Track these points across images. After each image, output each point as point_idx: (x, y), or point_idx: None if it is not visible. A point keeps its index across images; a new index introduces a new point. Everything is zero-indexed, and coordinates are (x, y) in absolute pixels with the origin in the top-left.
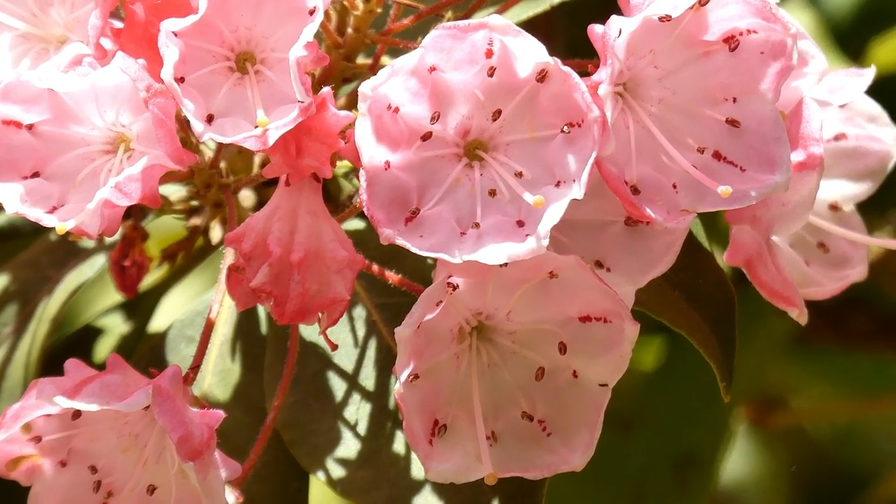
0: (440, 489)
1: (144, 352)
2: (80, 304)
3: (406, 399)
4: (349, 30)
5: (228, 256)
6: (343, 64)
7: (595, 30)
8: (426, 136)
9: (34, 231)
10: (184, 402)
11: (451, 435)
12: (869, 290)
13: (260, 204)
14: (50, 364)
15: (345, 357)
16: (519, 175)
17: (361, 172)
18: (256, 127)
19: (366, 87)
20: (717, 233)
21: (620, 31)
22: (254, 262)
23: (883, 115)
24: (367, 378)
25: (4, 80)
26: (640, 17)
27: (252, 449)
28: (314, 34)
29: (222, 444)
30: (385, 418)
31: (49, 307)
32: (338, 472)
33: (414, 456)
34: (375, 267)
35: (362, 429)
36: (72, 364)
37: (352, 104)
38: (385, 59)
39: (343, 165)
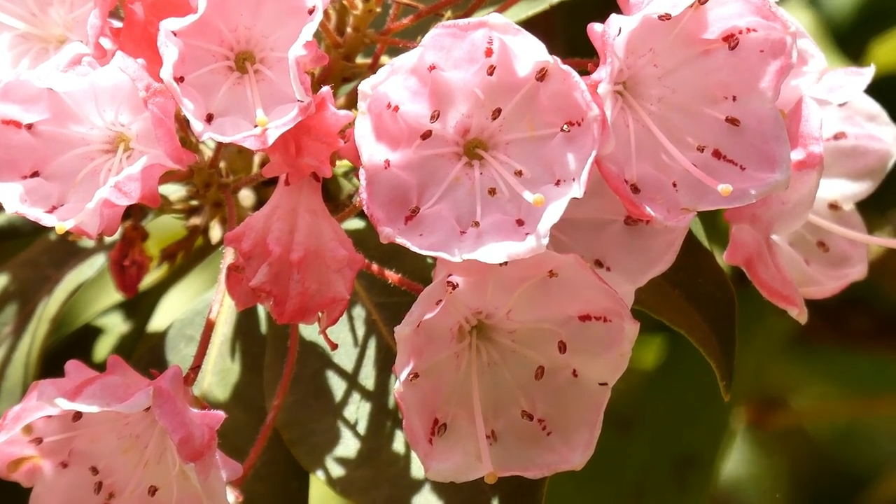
0: (440, 488)
1: (144, 351)
2: (79, 303)
3: (406, 398)
4: (348, 29)
5: (228, 256)
6: (342, 63)
7: (595, 28)
8: (426, 135)
9: (34, 231)
10: (184, 402)
11: (450, 434)
12: (869, 290)
13: (259, 203)
14: (50, 364)
15: (344, 356)
16: (519, 174)
17: (361, 171)
18: (256, 126)
19: (365, 86)
20: (716, 232)
21: (620, 30)
22: (253, 261)
23: (882, 114)
24: (367, 377)
25: (4, 79)
26: (639, 15)
27: (252, 448)
28: (313, 33)
29: (222, 444)
30: (385, 417)
31: (49, 307)
32: (337, 471)
33: (414, 455)
34: (375, 266)
35: (362, 428)
36: (72, 365)
37: (351, 103)
38: (384, 59)
39: (343, 164)
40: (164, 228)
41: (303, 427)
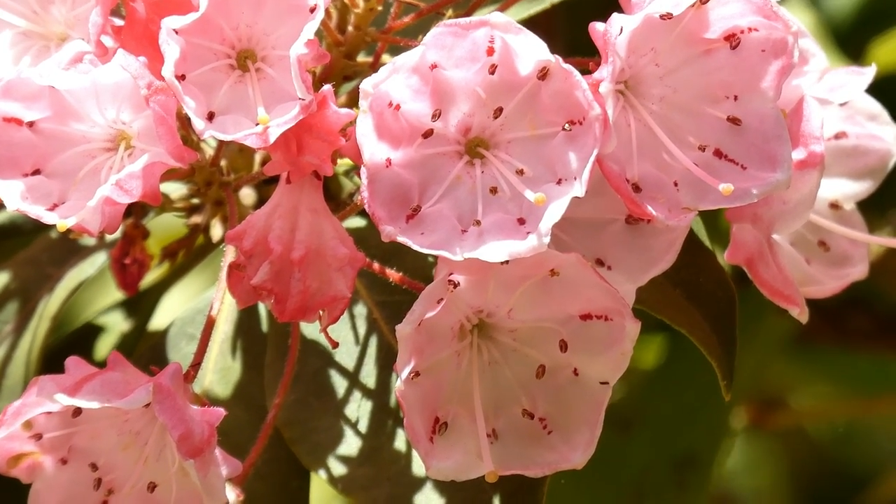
0: (441, 487)
1: (145, 350)
2: (80, 301)
3: (407, 396)
4: (350, 28)
5: (229, 254)
6: (344, 62)
7: (596, 28)
8: (427, 134)
9: (35, 229)
10: (184, 399)
11: (451, 432)
12: (869, 290)
13: (261, 202)
14: (50, 362)
15: (346, 355)
16: (520, 173)
17: (362, 170)
18: (257, 124)
19: (367, 85)
20: (717, 231)
21: (622, 29)
22: (255, 259)
23: (883, 114)
24: (368, 376)
25: (5, 77)
26: (641, 14)
27: (253, 447)
28: (315, 32)
29: (223, 442)
30: (386, 416)
31: (50, 305)
32: (339, 469)
33: (415, 453)
34: (376, 265)
35: (363, 426)
36: (72, 362)
37: (353, 102)
38: (386, 57)
39: (344, 163)
40: (165, 227)
41: (304, 425)
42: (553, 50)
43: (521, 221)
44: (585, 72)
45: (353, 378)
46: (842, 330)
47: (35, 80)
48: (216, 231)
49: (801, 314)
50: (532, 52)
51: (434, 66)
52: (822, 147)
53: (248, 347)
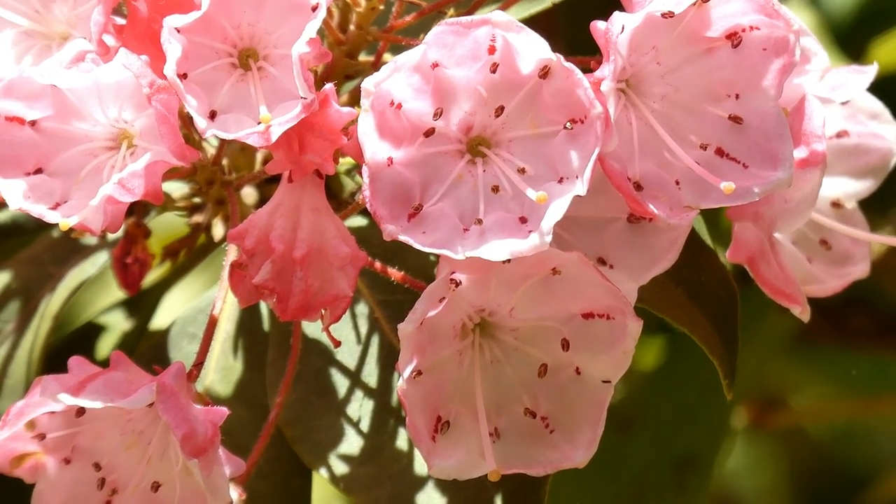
0: (443, 486)
1: (146, 349)
2: (82, 301)
3: (409, 395)
4: (351, 26)
5: (231, 253)
6: (345, 61)
7: (598, 26)
8: (429, 133)
9: (37, 228)
10: (188, 398)
11: (454, 431)
12: (870, 290)
13: (262, 201)
14: (52, 361)
15: (347, 354)
16: (522, 171)
17: (364, 169)
18: (259, 123)
19: (368, 84)
20: (719, 230)
21: (623, 28)
22: (256, 258)
23: (885, 113)
24: (370, 375)
25: (7, 76)
26: (642, 13)
27: (254, 446)
28: (317, 31)
29: (225, 441)
30: (388, 415)
31: (51, 304)
32: (340, 468)
33: (417, 452)
34: (378, 263)
35: (365, 425)
36: (75, 361)
37: (354, 101)
38: (387, 56)
39: (346, 162)
40: (166, 226)
41: (305, 424)
42: (554, 48)
43: (523, 220)
44: (587, 70)
45: (354, 377)
46: (843, 329)
47: (37, 79)
48: (218, 230)
49: (802, 313)
50: (533, 50)
51: (435, 65)
52: (823, 146)
53: (249, 346)
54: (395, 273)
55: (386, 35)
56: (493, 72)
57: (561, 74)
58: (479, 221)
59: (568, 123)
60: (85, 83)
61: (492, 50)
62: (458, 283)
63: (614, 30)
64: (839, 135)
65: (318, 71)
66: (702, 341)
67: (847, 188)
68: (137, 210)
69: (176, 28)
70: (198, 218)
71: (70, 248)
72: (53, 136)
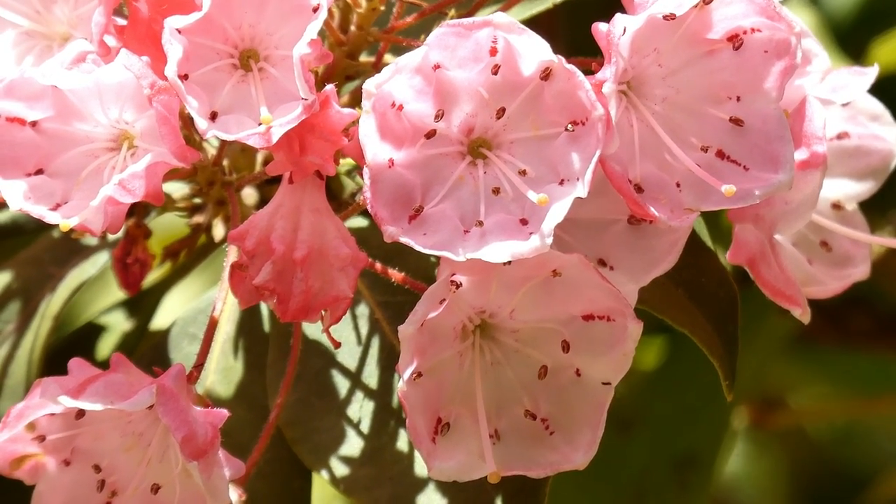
0: (443, 487)
1: (147, 349)
2: (82, 301)
3: (409, 397)
4: (352, 27)
5: (231, 254)
6: (346, 61)
7: (599, 28)
8: (430, 134)
9: (37, 228)
10: (188, 400)
11: (454, 433)
12: (870, 290)
13: (263, 202)
14: (52, 361)
15: (348, 355)
16: (523, 173)
17: (365, 170)
18: (260, 124)
19: (370, 85)
20: (719, 231)
21: (625, 30)
22: (257, 259)
23: (886, 114)
24: (370, 376)
25: (8, 77)
26: (644, 15)
27: (255, 447)
28: (318, 31)
29: (225, 443)
30: (388, 416)
31: (51, 304)
32: (341, 470)
33: (417, 454)
34: (378, 265)
35: (365, 427)
36: (75, 363)
37: (355, 102)
38: (388, 57)
39: (346, 163)
40: (167, 226)
41: (306, 425)
42: (556, 50)
43: (524, 222)
44: (588, 72)
45: (355, 378)
46: (843, 330)
47: (38, 79)
48: (218, 231)
49: (802, 314)
50: (535, 52)
51: (437, 67)
52: (824, 147)
53: (250, 347)
54: (395, 274)
55: (387, 36)
56: (495, 73)
57: (562, 76)
58: (480, 223)
59: (569, 125)
60: (86, 84)
61: (493, 51)
62: (458, 285)
63: (616, 31)
64: (840, 136)
65: (319, 72)
66: (702, 342)
67: (847, 190)
68: (138, 210)
69: (177, 29)
70: (198, 218)
71: (70, 248)
72: (54, 137)
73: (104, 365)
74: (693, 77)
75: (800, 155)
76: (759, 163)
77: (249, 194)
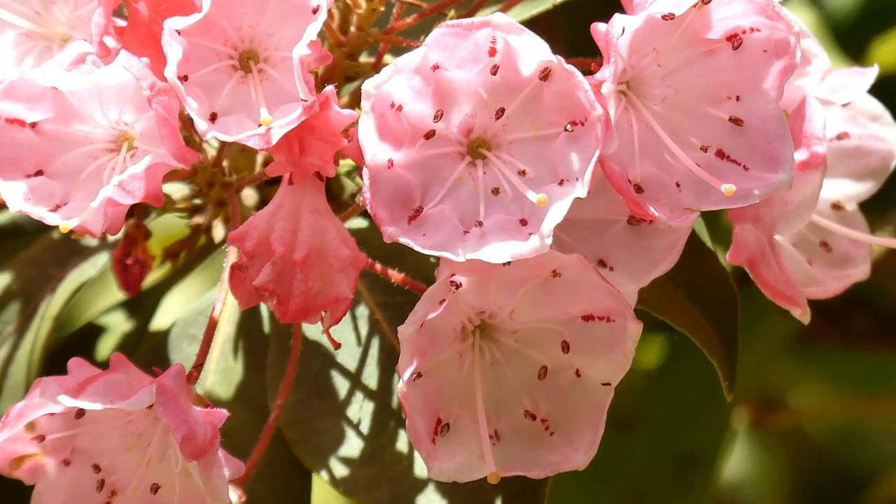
0: (443, 488)
1: (147, 350)
2: (82, 302)
3: (409, 398)
4: (352, 28)
5: (231, 255)
6: (346, 62)
7: (598, 28)
8: (429, 135)
9: (37, 229)
10: (187, 400)
11: (454, 434)
12: (870, 290)
13: (262, 203)
14: (52, 362)
15: (347, 356)
16: (522, 173)
17: (364, 171)
18: (260, 125)
19: (369, 86)
20: (719, 232)
21: (624, 30)
22: (257, 260)
23: (885, 115)
24: (370, 377)
25: (8, 78)
26: (643, 15)
27: (254, 447)
28: (317, 33)
29: (225, 443)
30: (388, 417)
31: (51, 305)
32: (340, 470)
33: (417, 454)
34: (378, 265)
35: (365, 427)
36: (75, 363)
37: (355, 102)
38: (388, 58)
39: (346, 164)
40: (166, 227)
41: (306, 426)
42: (555, 50)
43: (524, 222)
44: (587, 72)
45: (355, 379)
46: (843, 330)
47: (38, 81)
48: (218, 232)
49: (802, 315)
50: (534, 52)
51: (436, 67)
52: (824, 148)
53: (249, 348)
54: (395, 275)
55: (386, 37)
56: (494, 74)
57: (561, 76)
58: (480, 223)
59: (568, 125)
60: (85, 85)
61: (492, 52)
62: (458, 286)
63: (615, 32)
64: (840, 137)
65: (319, 73)
66: (702, 343)
67: (847, 190)
68: (138, 211)
69: (176, 30)
70: (198, 219)
71: (70, 249)
72: (54, 138)
73: (104, 366)
74: (692, 77)
75: (800, 155)
76: (759, 162)
77: (249, 195)
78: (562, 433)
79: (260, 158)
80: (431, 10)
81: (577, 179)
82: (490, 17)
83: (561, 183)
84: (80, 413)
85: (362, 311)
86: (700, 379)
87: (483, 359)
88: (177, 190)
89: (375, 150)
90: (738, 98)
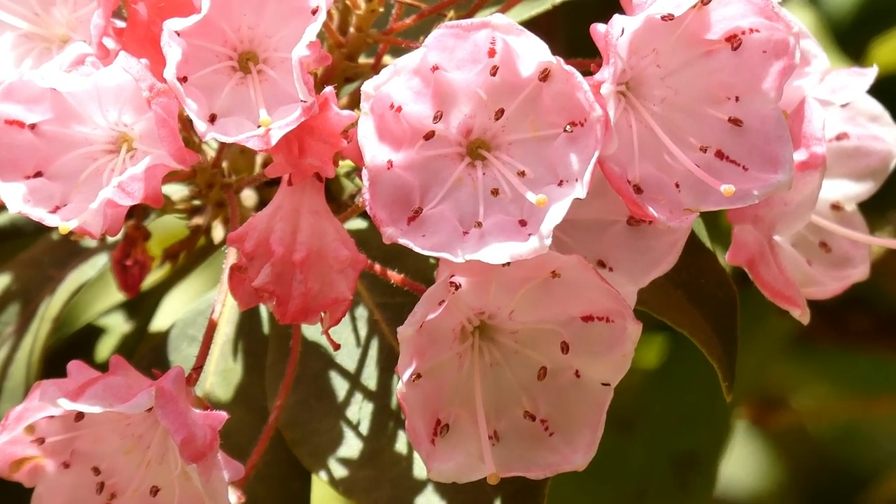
0: (442, 489)
1: (146, 351)
2: (81, 303)
3: (408, 398)
4: (351, 29)
5: (230, 256)
6: (345, 63)
7: (598, 29)
8: (429, 136)
9: (36, 230)
10: (187, 403)
11: (453, 434)
12: (870, 290)
13: (262, 204)
14: (52, 363)
15: (347, 357)
16: (521, 174)
17: (364, 172)
18: (259, 126)
19: (368, 87)
20: (718, 232)
21: (623, 31)
22: (256, 261)
23: (885, 115)
24: (370, 378)
25: (7, 79)
26: (642, 15)
27: (254, 449)
28: (317, 34)
29: (224, 444)
30: (387, 418)
31: (51, 307)
32: (340, 471)
33: (416, 455)
34: (378, 266)
35: (364, 428)
36: (75, 366)
37: (354, 103)
38: (387, 59)
39: (345, 165)
40: (166, 228)
41: (305, 427)
42: (554, 51)
43: (523, 223)
44: (587, 73)
45: (354, 380)
46: (842, 330)
47: (37, 82)
48: (217, 233)
49: (802, 315)
50: (533, 53)
51: (435, 68)
52: (823, 148)
53: (249, 349)
54: (394, 276)
55: (386, 38)
56: (493, 75)
57: (561, 77)
58: (479, 224)
59: (568, 126)
60: (85, 86)
61: (492, 53)
62: (457, 286)
63: (614, 32)
64: (839, 137)
65: (318, 74)
66: (701, 344)
67: (847, 190)
68: (137, 212)
69: (176, 31)
70: (197, 220)
71: (70, 250)
72: (53, 140)
73: (103, 367)
74: (692, 77)
75: (799, 156)
76: (758, 163)
77: (249, 196)
78: (561, 434)
79: (259, 159)
80: (431, 11)
81: (577, 180)
82: (489, 18)
83: (560, 184)
84: (80, 416)
85: (361, 312)
86: (700, 379)
87: (482, 359)
88: (176, 191)
89: (375, 151)
90: (737, 99)
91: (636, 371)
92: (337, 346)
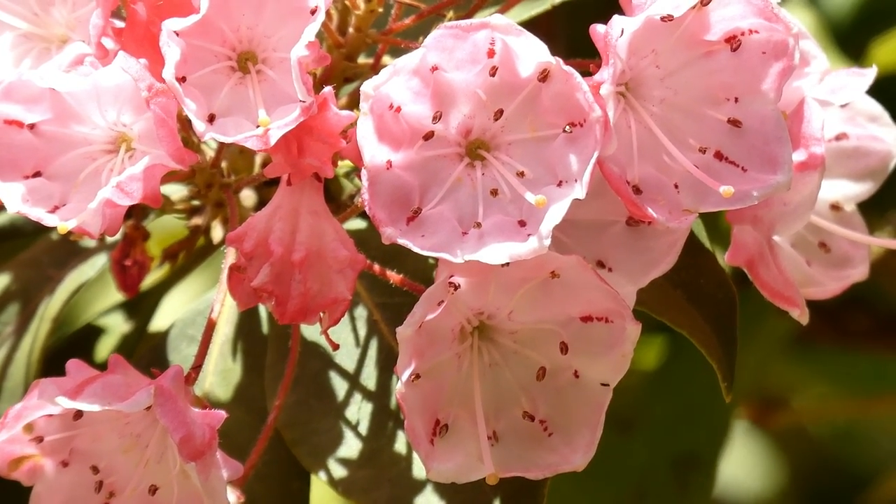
0: (441, 489)
1: (145, 351)
2: (81, 303)
3: (408, 399)
4: (350, 29)
5: (230, 256)
6: (344, 63)
7: (597, 29)
8: (428, 136)
9: (35, 230)
10: (186, 402)
11: (452, 435)
12: (869, 290)
13: (261, 204)
14: (51, 363)
15: (346, 357)
16: (521, 175)
17: (363, 172)
18: (258, 126)
19: (368, 87)
20: (718, 232)
21: (622, 31)
22: (255, 261)
23: (884, 115)
24: (369, 378)
25: (6, 79)
26: (642, 16)
27: (253, 448)
28: (316, 34)
29: (223, 444)
30: (386, 418)
31: (50, 307)
32: (339, 471)
33: (415, 456)
34: (377, 266)
35: (363, 428)
36: (73, 364)
37: (353, 104)
38: (386, 59)
39: (344, 165)
40: (165, 228)
41: (304, 427)
42: (554, 52)
43: (522, 223)
44: (586, 74)
45: (353, 380)
46: (842, 330)
47: (36, 82)
48: (217, 233)
49: (801, 316)
50: (533, 54)
51: (435, 68)
52: (822, 149)
53: (248, 349)
54: (393, 276)
55: (385, 38)
56: (493, 75)
57: (560, 78)
58: (478, 225)
59: (567, 127)
60: (84, 86)
61: (491, 53)
62: (456, 287)
63: (613, 33)
64: (838, 137)
65: (317, 74)
66: (701, 344)
67: (846, 191)
68: (136, 212)
69: (175, 31)
70: (197, 220)
71: (69, 250)
72: (52, 140)
73: (103, 367)
74: (691, 78)
75: (798, 156)
76: (758, 164)
77: (248, 196)
78: (560, 434)
79: (258, 159)
80: (430, 12)
81: (576, 181)
82: (489, 19)
83: (559, 184)
84: (79, 414)
85: (361, 312)
86: (699, 379)
87: (482, 360)
88: (175, 191)
89: (374, 152)
90: (736, 99)
91: (636, 371)
92: (336, 346)
